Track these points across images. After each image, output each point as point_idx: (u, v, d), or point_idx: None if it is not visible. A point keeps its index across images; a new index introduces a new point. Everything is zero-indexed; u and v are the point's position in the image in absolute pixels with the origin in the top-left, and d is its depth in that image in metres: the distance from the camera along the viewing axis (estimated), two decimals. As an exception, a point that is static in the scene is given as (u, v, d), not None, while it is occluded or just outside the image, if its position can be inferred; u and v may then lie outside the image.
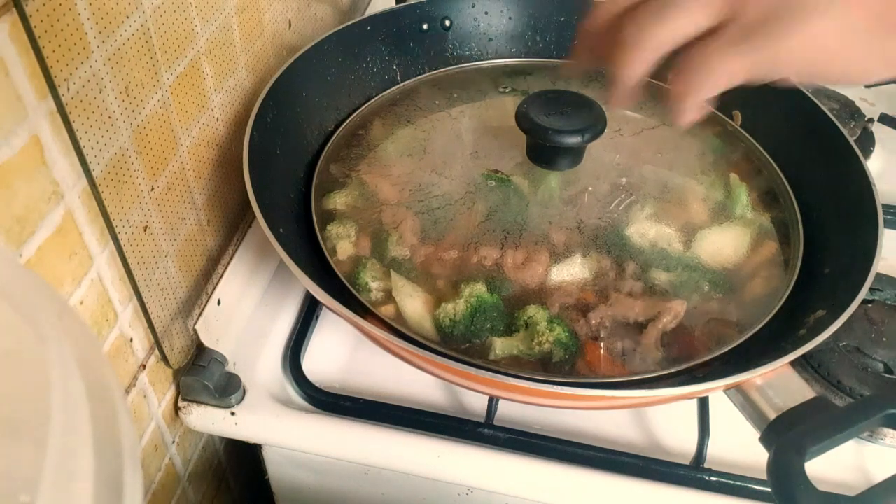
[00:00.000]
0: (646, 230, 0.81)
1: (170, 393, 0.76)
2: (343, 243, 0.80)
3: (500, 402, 0.74)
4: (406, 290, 0.75)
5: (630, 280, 0.77)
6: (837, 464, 0.70)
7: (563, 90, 0.83)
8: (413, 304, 0.74)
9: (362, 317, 0.65)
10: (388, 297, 0.75)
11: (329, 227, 0.81)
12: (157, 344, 0.70)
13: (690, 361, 0.72)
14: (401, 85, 1.03)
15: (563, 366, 0.69)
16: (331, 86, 0.93)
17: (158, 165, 0.66)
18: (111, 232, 0.59)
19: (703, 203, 0.86)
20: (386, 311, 0.75)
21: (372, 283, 0.76)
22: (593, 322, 0.73)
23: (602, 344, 0.73)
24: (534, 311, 0.72)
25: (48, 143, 0.51)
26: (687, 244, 0.81)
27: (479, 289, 0.73)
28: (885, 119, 1.13)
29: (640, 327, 0.74)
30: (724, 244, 0.82)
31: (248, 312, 0.84)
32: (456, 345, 0.71)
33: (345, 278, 0.78)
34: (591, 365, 0.71)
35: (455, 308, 0.71)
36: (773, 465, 0.57)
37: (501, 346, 0.70)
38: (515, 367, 0.70)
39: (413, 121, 0.99)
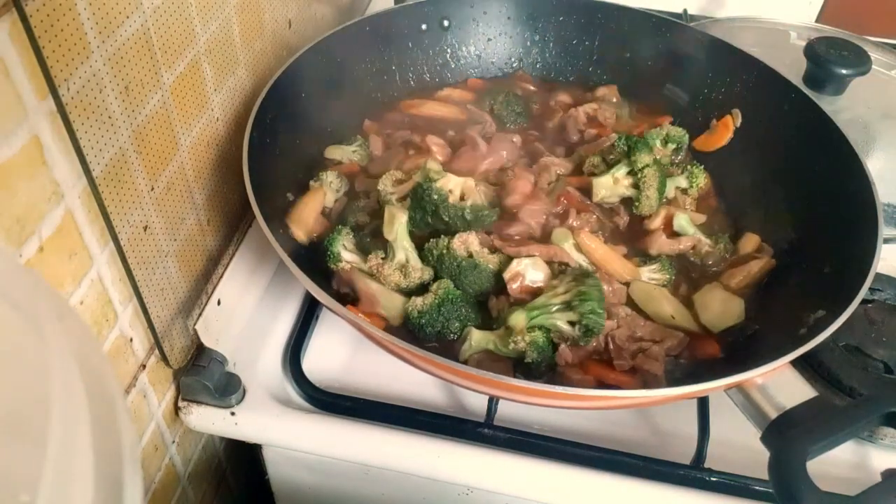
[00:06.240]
0: None
1: (170, 393, 0.76)
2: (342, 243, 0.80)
3: (500, 402, 0.74)
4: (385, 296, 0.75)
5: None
6: (837, 463, 0.70)
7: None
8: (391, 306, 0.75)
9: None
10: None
11: (321, 174, 0.84)
12: (157, 344, 0.70)
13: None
14: (400, 85, 1.03)
15: (536, 368, 0.69)
16: (331, 86, 0.93)
17: (158, 165, 0.66)
18: (111, 232, 0.59)
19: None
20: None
21: (345, 254, 0.76)
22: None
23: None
24: (517, 312, 0.71)
25: (48, 143, 0.51)
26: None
27: (447, 284, 0.74)
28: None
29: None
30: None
31: (248, 312, 0.84)
32: (426, 337, 0.72)
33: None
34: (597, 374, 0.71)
35: (424, 301, 0.72)
36: (774, 465, 0.57)
37: (477, 339, 0.71)
38: (487, 362, 0.70)
39: (412, 122, 0.99)
